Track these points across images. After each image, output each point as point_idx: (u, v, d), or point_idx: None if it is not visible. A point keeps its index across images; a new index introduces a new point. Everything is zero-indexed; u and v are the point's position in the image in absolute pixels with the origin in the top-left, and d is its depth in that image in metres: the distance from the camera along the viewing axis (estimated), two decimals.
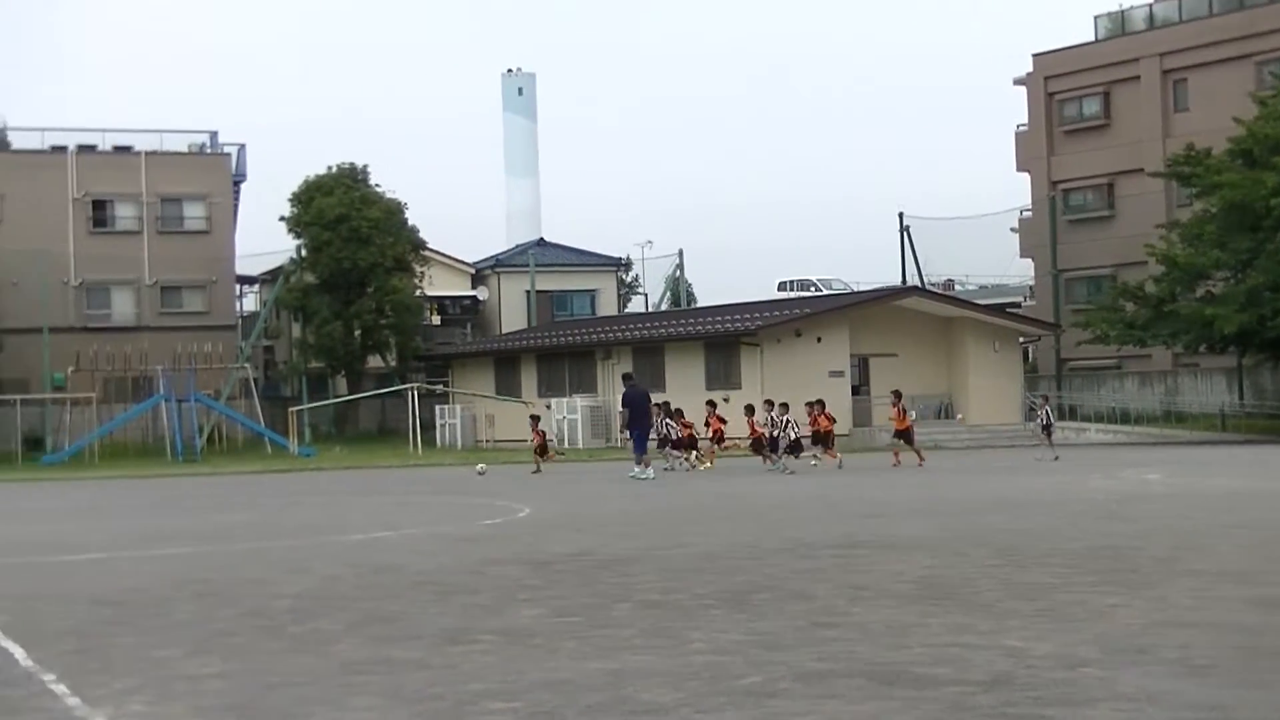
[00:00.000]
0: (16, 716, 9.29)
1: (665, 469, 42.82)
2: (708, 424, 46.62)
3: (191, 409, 69.09)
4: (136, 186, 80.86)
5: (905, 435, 43.88)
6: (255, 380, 77.59)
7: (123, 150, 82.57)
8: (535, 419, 49.53)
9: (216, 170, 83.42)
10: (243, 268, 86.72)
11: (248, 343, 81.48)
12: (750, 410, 45.31)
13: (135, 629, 12.99)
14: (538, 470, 44.72)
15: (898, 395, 45.03)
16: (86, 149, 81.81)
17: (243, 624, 13.13)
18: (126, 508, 33.89)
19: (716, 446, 46.43)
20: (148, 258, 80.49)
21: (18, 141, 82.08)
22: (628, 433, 42.76)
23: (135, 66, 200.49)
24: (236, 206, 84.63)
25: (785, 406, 43.65)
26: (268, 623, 13.17)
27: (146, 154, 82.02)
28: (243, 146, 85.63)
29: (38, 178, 78.96)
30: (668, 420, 45.31)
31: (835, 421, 45.02)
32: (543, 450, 46.92)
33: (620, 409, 44.59)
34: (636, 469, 38.81)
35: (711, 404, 47.81)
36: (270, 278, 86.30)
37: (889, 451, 44.54)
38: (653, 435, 43.64)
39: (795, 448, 42.75)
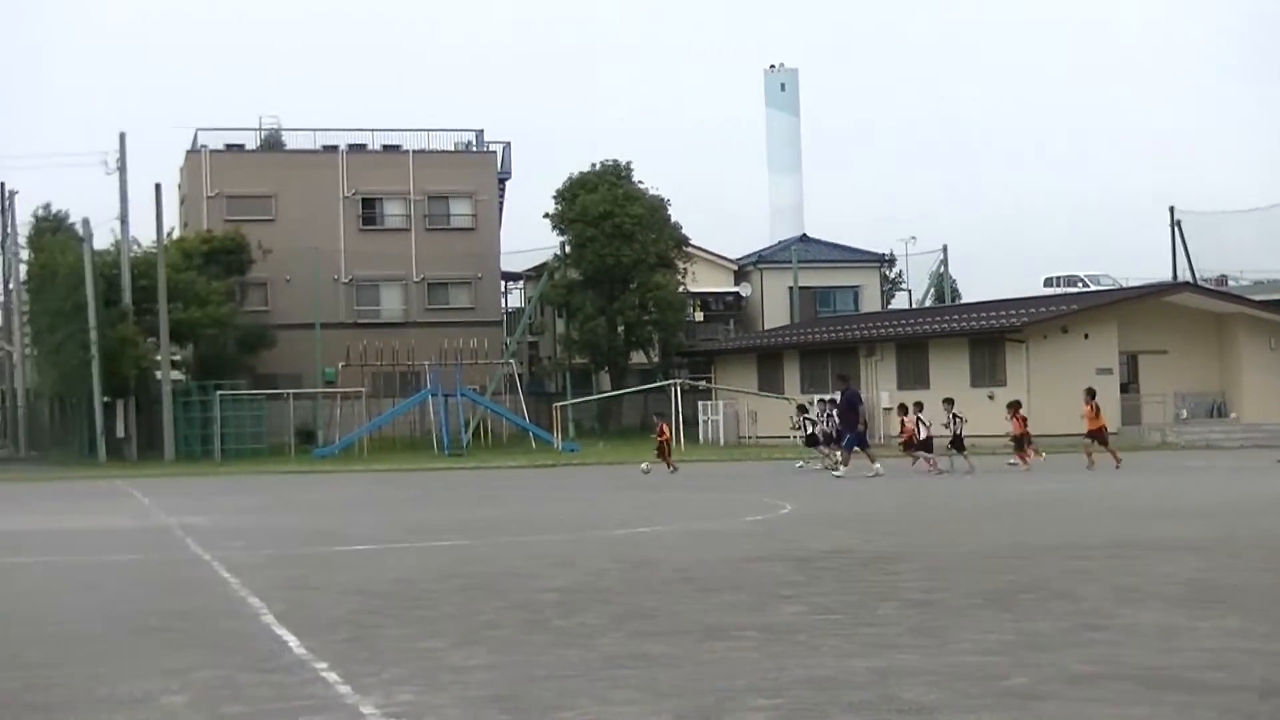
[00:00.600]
0: (290, 703, 9.48)
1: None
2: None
3: (458, 404, 70.10)
4: (405, 184, 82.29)
5: (1098, 435, 42.53)
6: (520, 376, 78.55)
7: (391, 149, 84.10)
8: (659, 416, 49.99)
9: (482, 168, 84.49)
10: (508, 264, 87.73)
11: (513, 338, 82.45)
12: (904, 410, 44.83)
13: (403, 620, 13.20)
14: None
15: (1091, 393, 43.54)
16: (356, 148, 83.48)
17: (508, 616, 13.25)
18: (394, 500, 34.49)
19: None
20: (415, 254, 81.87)
21: (291, 142, 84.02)
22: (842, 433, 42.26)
23: (403, 67, 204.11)
24: (502, 204, 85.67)
25: (920, 405, 43.24)
26: (532, 616, 13.28)
27: (414, 152, 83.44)
28: (508, 144, 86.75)
29: (310, 177, 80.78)
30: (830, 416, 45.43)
31: (1026, 423, 43.93)
32: (663, 451, 46.90)
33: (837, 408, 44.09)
34: (841, 469, 38.68)
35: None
36: (535, 274, 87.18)
37: (1083, 452, 43.16)
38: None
39: (925, 446, 42.17)
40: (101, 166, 69.50)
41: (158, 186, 69.45)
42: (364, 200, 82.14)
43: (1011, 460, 42.36)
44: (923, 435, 42.32)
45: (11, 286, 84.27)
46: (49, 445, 76.88)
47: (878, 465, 38.61)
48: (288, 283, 79.14)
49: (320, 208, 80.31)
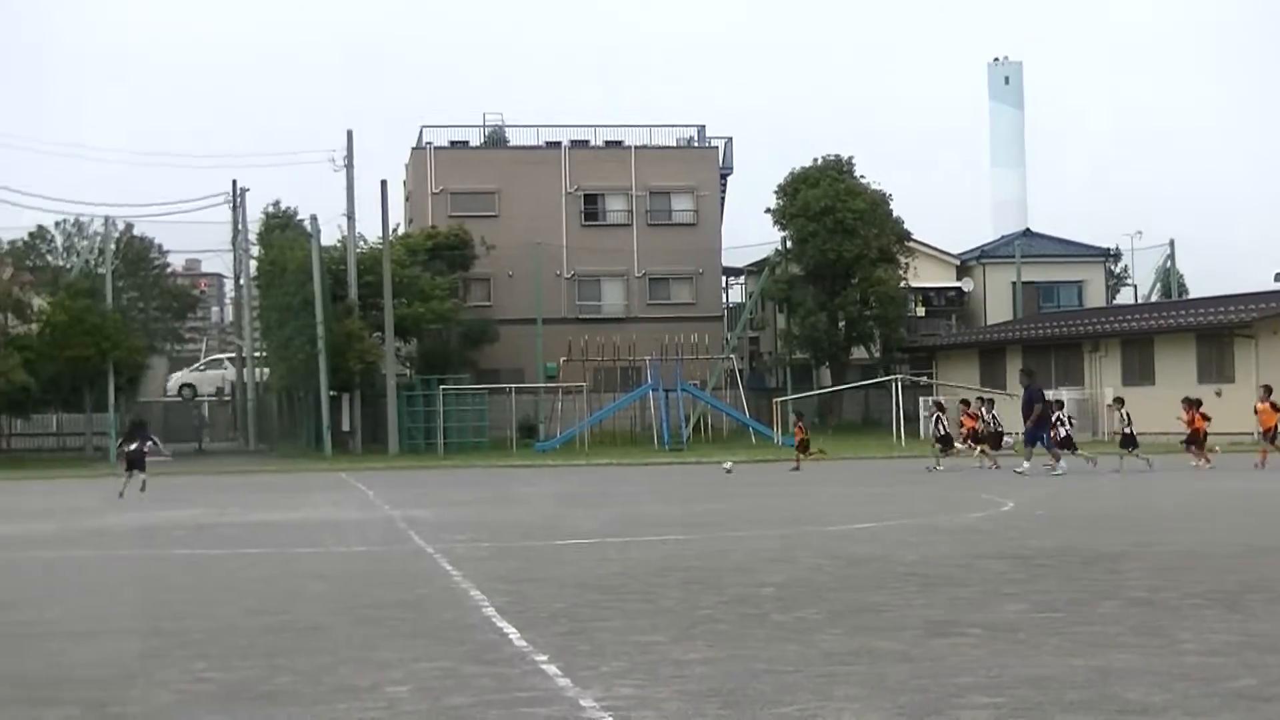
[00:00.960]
0: (510, 694, 9.59)
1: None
2: (961, 424, 45.93)
3: (678, 399, 70.21)
4: (626, 180, 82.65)
5: (1268, 433, 40.97)
6: (740, 371, 78.53)
7: (613, 145, 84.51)
8: (799, 415, 50.09)
9: (704, 163, 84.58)
10: (728, 259, 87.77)
11: (733, 333, 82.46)
12: (967, 404, 44.67)
13: (623, 613, 13.28)
14: (796, 468, 45.14)
15: (1267, 390, 41.83)
16: (579, 144, 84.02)
17: (727, 611, 13.28)
18: (614, 494, 34.67)
19: (974, 446, 44.96)
20: (636, 250, 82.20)
21: (514, 138, 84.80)
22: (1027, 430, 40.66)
23: (627, 63, 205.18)
24: (723, 199, 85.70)
25: (1061, 404, 42.73)
26: (752, 610, 13.30)
27: (636, 148, 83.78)
28: (729, 139, 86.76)
29: (533, 173, 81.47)
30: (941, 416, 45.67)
31: (1210, 420, 42.49)
32: (804, 447, 46.90)
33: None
34: (1060, 465, 37.94)
35: (965, 402, 47.15)
36: (756, 269, 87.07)
37: (1258, 453, 41.75)
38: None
39: (1067, 443, 40.95)
40: (329, 164, 70.79)
41: (383, 183, 70.44)
42: (586, 196, 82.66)
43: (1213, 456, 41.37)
44: (1063, 434, 41.46)
45: (242, 282, 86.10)
46: (276, 438, 78.39)
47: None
48: (510, 278, 79.98)
49: (543, 203, 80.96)
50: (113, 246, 76.79)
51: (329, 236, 72.16)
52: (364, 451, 66.83)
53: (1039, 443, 39.56)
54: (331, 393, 67.00)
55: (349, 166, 70.17)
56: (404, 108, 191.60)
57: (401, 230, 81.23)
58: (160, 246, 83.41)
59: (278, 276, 73.05)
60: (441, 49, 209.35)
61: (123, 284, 78.27)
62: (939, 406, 47.08)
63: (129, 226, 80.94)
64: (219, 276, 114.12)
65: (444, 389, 69.03)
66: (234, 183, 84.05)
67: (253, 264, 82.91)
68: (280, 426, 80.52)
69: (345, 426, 69.30)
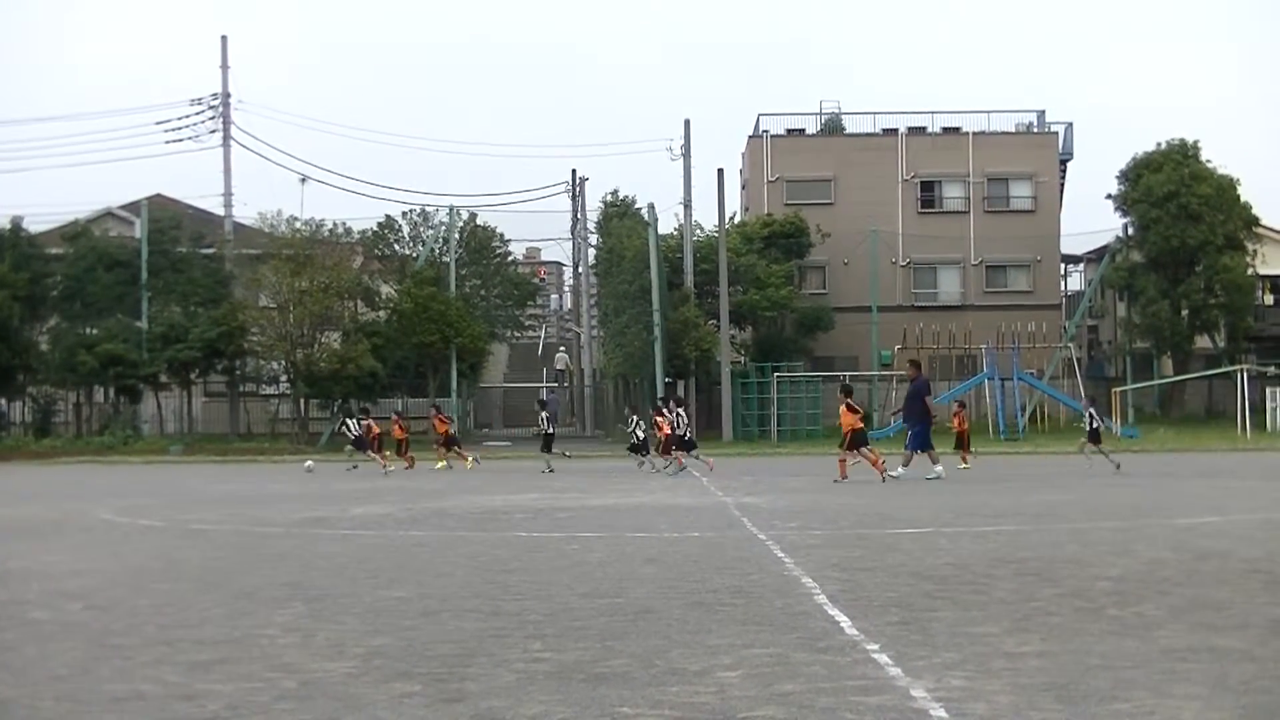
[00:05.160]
0: (841, 683, 9.56)
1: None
2: (656, 425, 44.10)
3: (1014, 388, 69.48)
4: (963, 167, 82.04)
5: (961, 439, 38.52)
6: (1078, 360, 77.39)
7: (950, 131, 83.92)
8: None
9: (1043, 149, 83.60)
10: (1068, 246, 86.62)
11: (1072, 322, 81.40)
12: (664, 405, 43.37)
13: (955, 604, 13.16)
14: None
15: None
16: (916, 131, 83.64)
17: (1062, 604, 13.08)
18: (948, 484, 34.29)
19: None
20: (973, 237, 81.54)
21: (850, 126, 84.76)
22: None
23: (964, 49, 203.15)
24: (1063, 185, 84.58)
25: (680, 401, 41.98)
26: (1087, 604, 13.08)
27: (974, 134, 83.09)
28: (1069, 125, 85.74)
29: (869, 160, 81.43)
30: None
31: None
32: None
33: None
34: (937, 469, 35.27)
35: (663, 400, 45.83)
36: (1095, 256, 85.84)
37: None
38: None
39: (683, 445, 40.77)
40: (666, 153, 71.53)
41: (720, 171, 71.01)
42: (923, 183, 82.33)
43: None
44: (667, 432, 41.70)
45: (580, 270, 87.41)
46: (611, 424, 79.47)
47: (939, 468, 35.38)
48: (846, 265, 79.98)
49: (879, 191, 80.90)
50: (456, 235, 78.55)
51: (666, 225, 73.03)
52: (698, 438, 67.28)
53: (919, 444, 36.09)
54: (667, 379, 67.65)
55: (686, 155, 70.85)
56: (741, 96, 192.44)
57: (738, 218, 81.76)
58: (502, 235, 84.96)
59: (615, 264, 74.06)
60: (777, 37, 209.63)
61: (465, 272, 79.99)
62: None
63: (472, 216, 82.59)
64: (558, 265, 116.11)
65: (778, 376, 69.25)
66: (573, 172, 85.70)
67: (591, 252, 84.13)
68: (616, 412, 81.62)
69: None
